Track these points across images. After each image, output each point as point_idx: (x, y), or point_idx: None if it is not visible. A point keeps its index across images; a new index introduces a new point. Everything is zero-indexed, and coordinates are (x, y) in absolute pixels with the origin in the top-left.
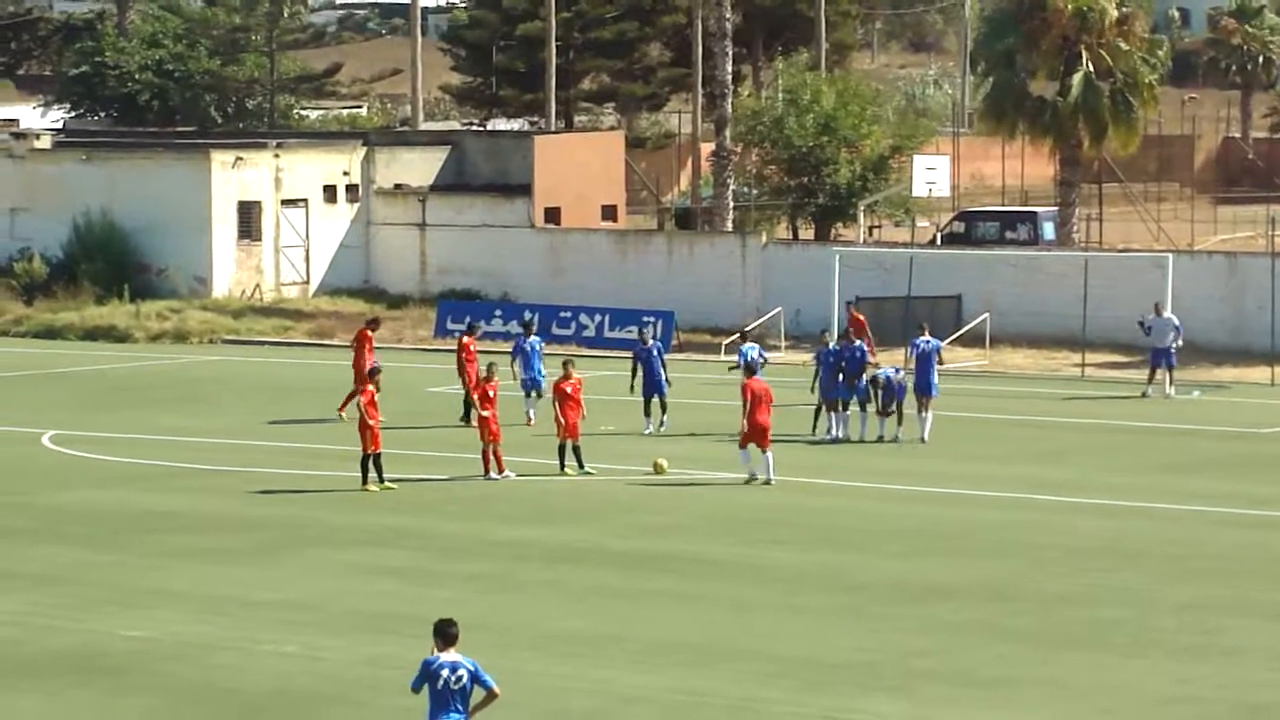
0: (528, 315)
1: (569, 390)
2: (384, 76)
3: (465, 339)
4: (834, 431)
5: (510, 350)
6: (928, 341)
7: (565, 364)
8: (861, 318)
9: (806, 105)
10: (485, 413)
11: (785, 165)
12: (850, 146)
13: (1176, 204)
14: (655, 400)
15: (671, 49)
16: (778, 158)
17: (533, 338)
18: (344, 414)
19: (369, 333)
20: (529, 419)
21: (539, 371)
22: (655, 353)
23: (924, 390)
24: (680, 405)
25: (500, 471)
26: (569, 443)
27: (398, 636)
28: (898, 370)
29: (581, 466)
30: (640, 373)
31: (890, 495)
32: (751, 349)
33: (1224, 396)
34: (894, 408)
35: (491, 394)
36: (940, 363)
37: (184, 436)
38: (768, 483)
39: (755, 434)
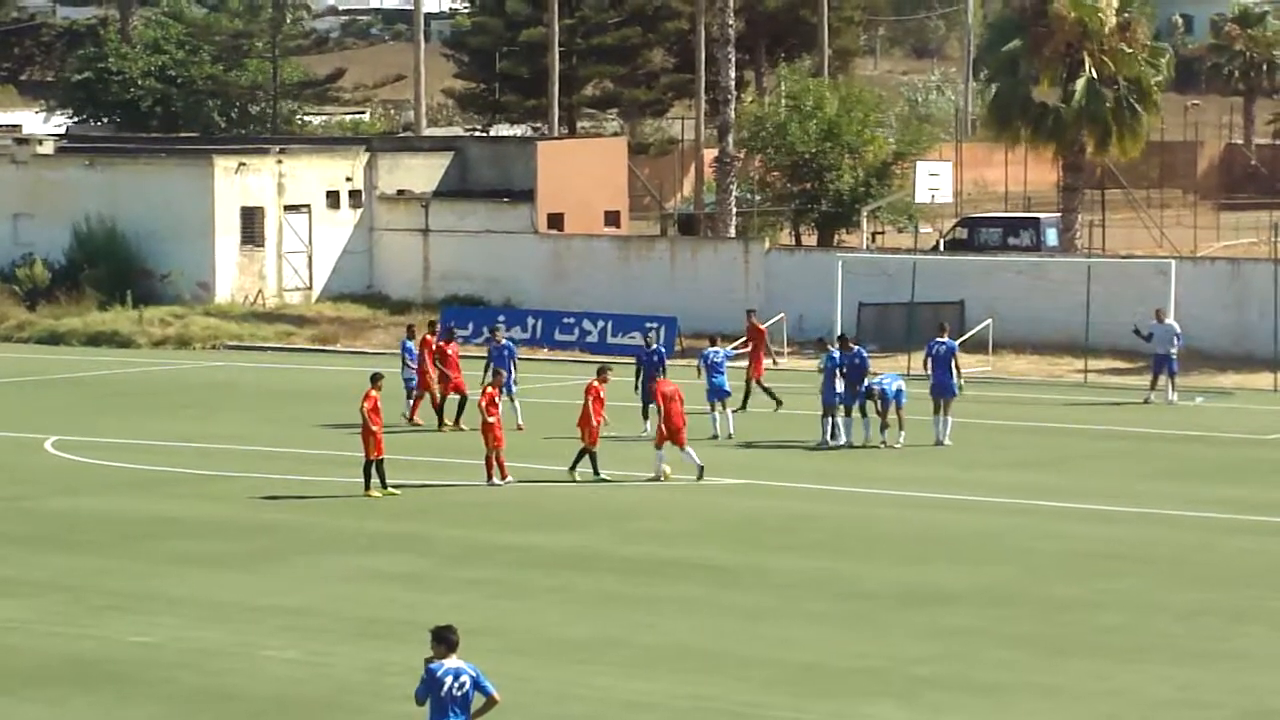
0: (500, 320)
1: (603, 395)
2: (387, 82)
3: (442, 342)
4: (830, 438)
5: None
6: (943, 343)
7: (602, 369)
8: (762, 328)
9: (809, 111)
10: (490, 419)
11: (788, 171)
12: (853, 153)
13: (1179, 210)
14: (654, 406)
15: (674, 55)
16: (780, 164)
17: (503, 341)
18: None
19: (429, 337)
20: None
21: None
22: (656, 358)
23: (940, 392)
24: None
25: (503, 477)
26: (590, 448)
27: (400, 642)
28: (895, 378)
29: (597, 474)
30: (641, 376)
31: (893, 501)
32: (714, 352)
33: (1227, 403)
34: (893, 414)
35: (496, 400)
36: (957, 365)
37: (186, 442)
38: (700, 476)
39: (670, 433)
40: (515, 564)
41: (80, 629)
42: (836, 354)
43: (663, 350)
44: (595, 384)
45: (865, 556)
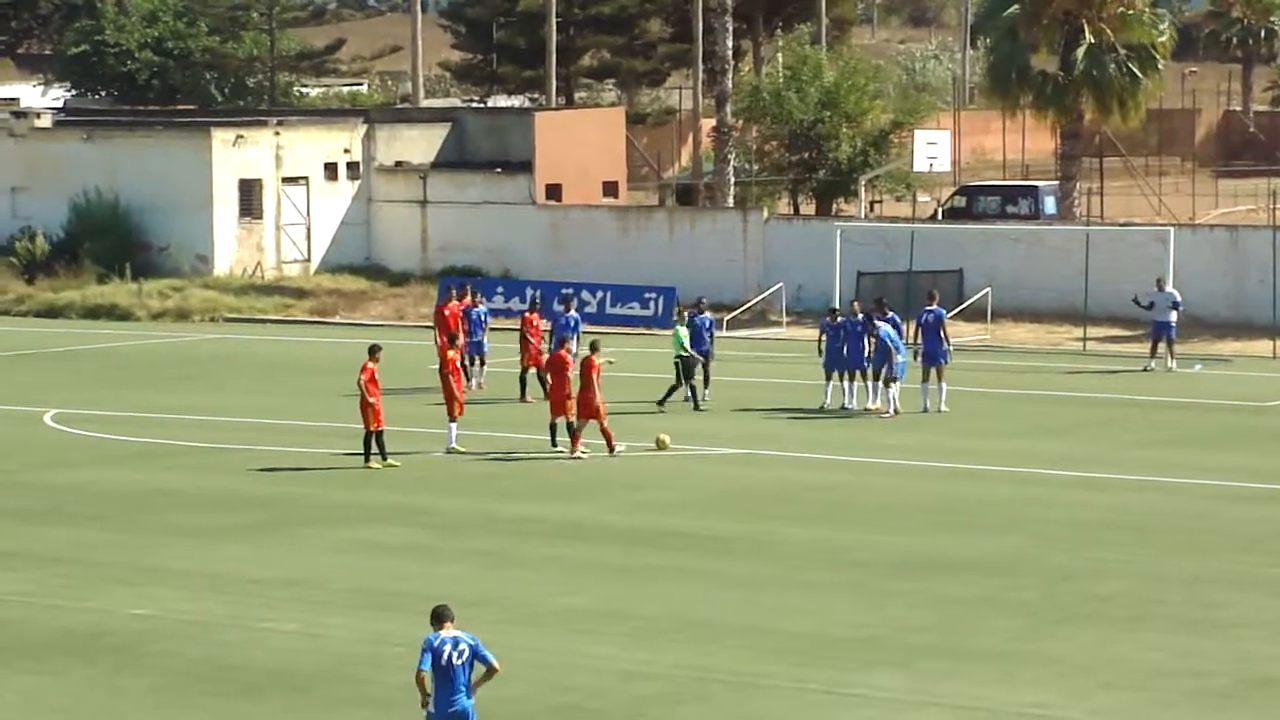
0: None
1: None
2: (384, 54)
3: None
4: (847, 402)
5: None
6: (931, 311)
7: (593, 344)
8: (532, 318)
9: (807, 80)
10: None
11: (786, 141)
12: (851, 122)
13: (1177, 178)
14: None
15: (672, 24)
16: (779, 133)
17: (479, 306)
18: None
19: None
20: (477, 384)
21: (483, 339)
22: (702, 325)
23: (930, 360)
24: None
25: (573, 450)
26: (562, 420)
27: (400, 614)
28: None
29: (555, 444)
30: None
31: (893, 470)
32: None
33: (1226, 370)
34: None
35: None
36: (946, 332)
37: (186, 415)
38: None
39: (451, 402)
40: (515, 535)
41: (80, 601)
42: (842, 319)
43: (706, 319)
44: (562, 354)
45: (865, 526)
